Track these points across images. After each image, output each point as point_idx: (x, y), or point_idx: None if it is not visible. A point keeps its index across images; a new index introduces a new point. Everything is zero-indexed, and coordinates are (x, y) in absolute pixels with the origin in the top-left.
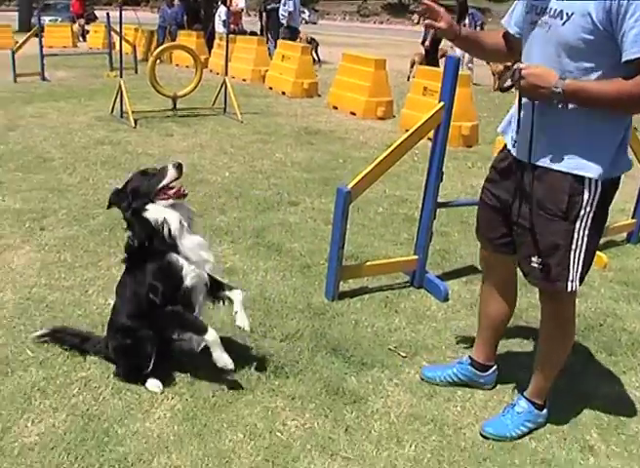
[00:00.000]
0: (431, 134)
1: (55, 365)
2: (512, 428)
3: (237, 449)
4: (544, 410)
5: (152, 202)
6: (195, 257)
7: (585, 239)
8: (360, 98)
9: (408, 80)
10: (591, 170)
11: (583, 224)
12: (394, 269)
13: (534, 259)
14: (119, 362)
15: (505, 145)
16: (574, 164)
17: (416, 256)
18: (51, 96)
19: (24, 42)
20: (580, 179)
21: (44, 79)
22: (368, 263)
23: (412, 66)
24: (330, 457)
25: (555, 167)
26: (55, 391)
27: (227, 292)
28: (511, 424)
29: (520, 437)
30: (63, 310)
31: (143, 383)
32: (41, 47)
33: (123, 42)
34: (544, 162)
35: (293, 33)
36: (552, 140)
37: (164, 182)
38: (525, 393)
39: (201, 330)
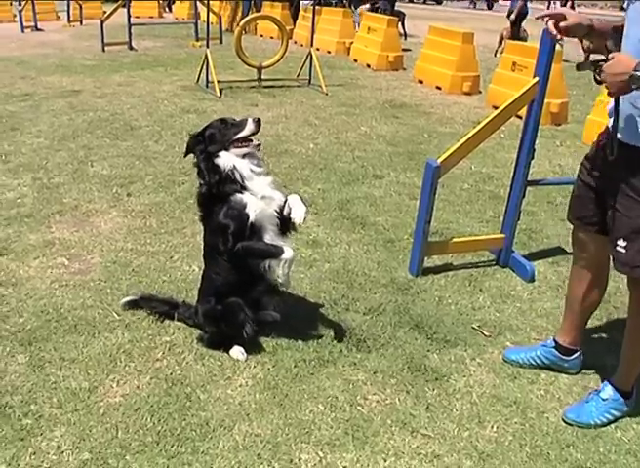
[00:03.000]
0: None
1: (140, 328)
2: (597, 415)
3: (317, 421)
4: (631, 399)
5: (226, 150)
6: (262, 196)
7: None
8: (446, 73)
9: (495, 55)
10: None
11: None
12: (480, 247)
13: (619, 243)
14: (209, 329)
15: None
16: None
17: (502, 235)
18: (138, 64)
19: (112, 12)
20: None
21: (131, 48)
22: (454, 240)
23: (500, 41)
24: (410, 434)
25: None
26: (139, 354)
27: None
28: (596, 411)
29: (604, 425)
30: (149, 275)
31: (228, 350)
32: (129, 17)
33: (209, 12)
34: (637, 141)
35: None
36: None
37: (241, 134)
38: (612, 380)
39: (278, 252)
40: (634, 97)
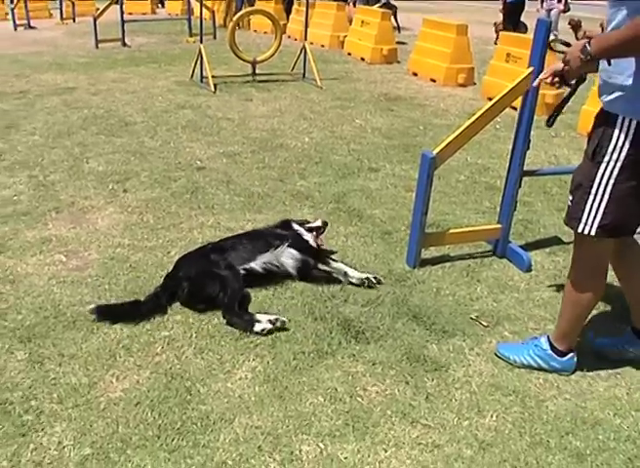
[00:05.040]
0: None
1: (138, 323)
2: (521, 354)
3: (317, 412)
4: (565, 359)
5: None
6: None
7: (610, 186)
8: (441, 65)
9: (495, 43)
10: (622, 108)
11: (609, 169)
12: (477, 238)
13: (569, 197)
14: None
15: None
16: (609, 103)
17: (499, 225)
18: (132, 61)
19: (105, 9)
20: (614, 119)
21: (124, 45)
22: (450, 231)
23: (497, 32)
24: (410, 424)
25: (603, 106)
26: (139, 349)
27: None
28: (523, 351)
29: (522, 366)
30: (146, 270)
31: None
32: (122, 14)
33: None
34: (601, 101)
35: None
36: (605, 83)
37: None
38: (550, 334)
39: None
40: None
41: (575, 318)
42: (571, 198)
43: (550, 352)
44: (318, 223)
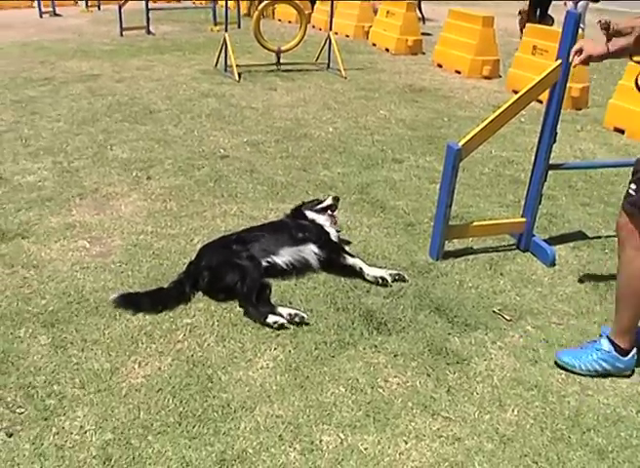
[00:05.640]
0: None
1: (161, 311)
2: (585, 362)
3: (338, 403)
4: (628, 356)
5: None
6: None
7: None
8: (466, 57)
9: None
10: None
11: None
12: (501, 231)
13: (631, 186)
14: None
15: None
16: None
17: (524, 219)
18: (156, 49)
19: None
20: None
21: (149, 33)
22: (474, 224)
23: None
24: (431, 416)
25: None
26: (161, 336)
27: None
28: (586, 358)
29: (590, 374)
30: (169, 258)
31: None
32: (147, 1)
33: None
34: None
35: None
36: None
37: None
38: (609, 333)
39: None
40: None
41: (637, 309)
42: (634, 187)
43: (615, 353)
44: (329, 201)
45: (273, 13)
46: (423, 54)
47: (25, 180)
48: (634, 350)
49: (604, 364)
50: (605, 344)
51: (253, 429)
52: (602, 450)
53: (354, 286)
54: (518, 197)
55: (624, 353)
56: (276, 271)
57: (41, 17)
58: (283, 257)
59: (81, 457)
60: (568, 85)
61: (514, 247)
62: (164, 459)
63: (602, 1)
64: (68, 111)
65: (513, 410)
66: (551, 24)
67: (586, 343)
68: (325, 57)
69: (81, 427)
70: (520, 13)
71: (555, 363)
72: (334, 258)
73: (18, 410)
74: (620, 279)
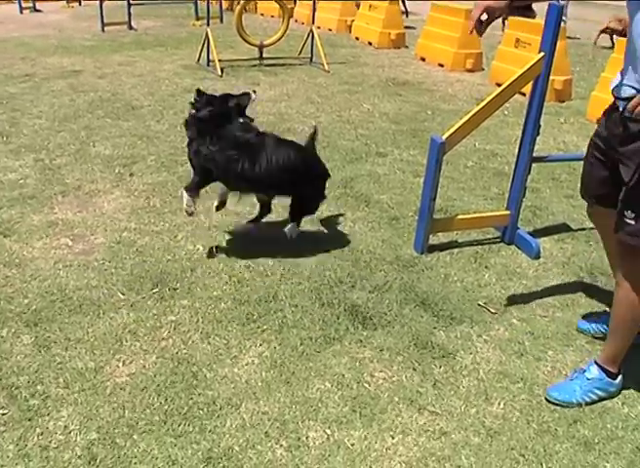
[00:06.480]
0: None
1: (145, 307)
2: (580, 394)
3: (324, 399)
4: (618, 379)
5: None
6: None
7: None
8: (449, 50)
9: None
10: None
11: None
12: (485, 224)
13: (629, 214)
14: None
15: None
16: None
17: (508, 212)
18: (138, 44)
19: None
20: None
21: (131, 28)
22: (459, 217)
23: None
24: (417, 411)
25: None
26: (145, 333)
27: None
28: (579, 390)
29: (587, 404)
30: (153, 254)
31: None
32: None
33: None
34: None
35: None
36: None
37: None
38: (597, 359)
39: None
40: None
41: (631, 336)
42: (633, 216)
43: (607, 379)
44: (246, 91)
45: (256, 7)
46: (407, 47)
47: (7, 178)
48: (621, 371)
49: (598, 392)
50: (594, 371)
51: (239, 426)
52: (588, 442)
53: (339, 281)
54: (502, 190)
55: (615, 377)
56: None
57: (21, 12)
58: None
59: (66, 457)
60: (551, 77)
61: (499, 240)
62: (150, 458)
63: None
64: (50, 108)
65: (499, 404)
66: (534, 17)
67: (573, 374)
68: (308, 51)
69: (65, 427)
70: None
71: (546, 399)
72: None
73: (1, 411)
74: (618, 305)
